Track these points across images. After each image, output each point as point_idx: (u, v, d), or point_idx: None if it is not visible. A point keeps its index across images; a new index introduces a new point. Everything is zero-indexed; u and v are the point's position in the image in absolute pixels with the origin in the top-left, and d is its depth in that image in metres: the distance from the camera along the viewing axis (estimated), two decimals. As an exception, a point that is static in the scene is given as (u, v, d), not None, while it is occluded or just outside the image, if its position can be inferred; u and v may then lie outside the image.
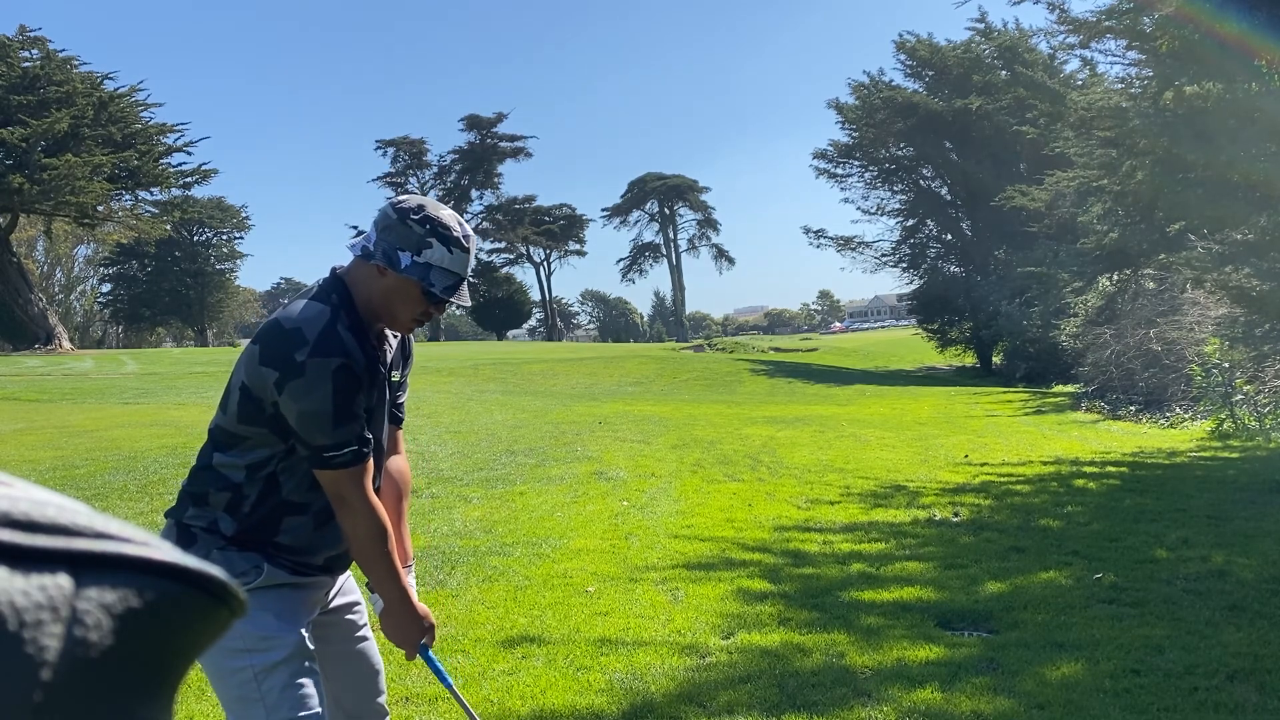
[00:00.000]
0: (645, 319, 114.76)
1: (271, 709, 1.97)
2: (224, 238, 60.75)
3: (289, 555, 2.07)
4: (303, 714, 2.00)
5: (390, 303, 2.05)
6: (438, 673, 2.30)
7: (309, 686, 2.04)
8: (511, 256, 70.06)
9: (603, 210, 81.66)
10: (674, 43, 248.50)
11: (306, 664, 2.05)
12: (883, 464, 9.32)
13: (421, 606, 2.20)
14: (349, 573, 2.35)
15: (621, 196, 78.57)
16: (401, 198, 2.09)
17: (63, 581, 0.30)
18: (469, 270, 2.10)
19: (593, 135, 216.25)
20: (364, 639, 2.31)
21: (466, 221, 2.12)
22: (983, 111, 30.34)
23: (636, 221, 79.43)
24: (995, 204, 26.27)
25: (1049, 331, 22.34)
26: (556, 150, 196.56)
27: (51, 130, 32.46)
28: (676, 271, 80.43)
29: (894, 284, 67.82)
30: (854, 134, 34.80)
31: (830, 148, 35.72)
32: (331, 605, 2.26)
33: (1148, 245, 12.90)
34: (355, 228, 68.51)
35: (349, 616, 2.29)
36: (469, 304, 2.11)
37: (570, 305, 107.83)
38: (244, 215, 60.13)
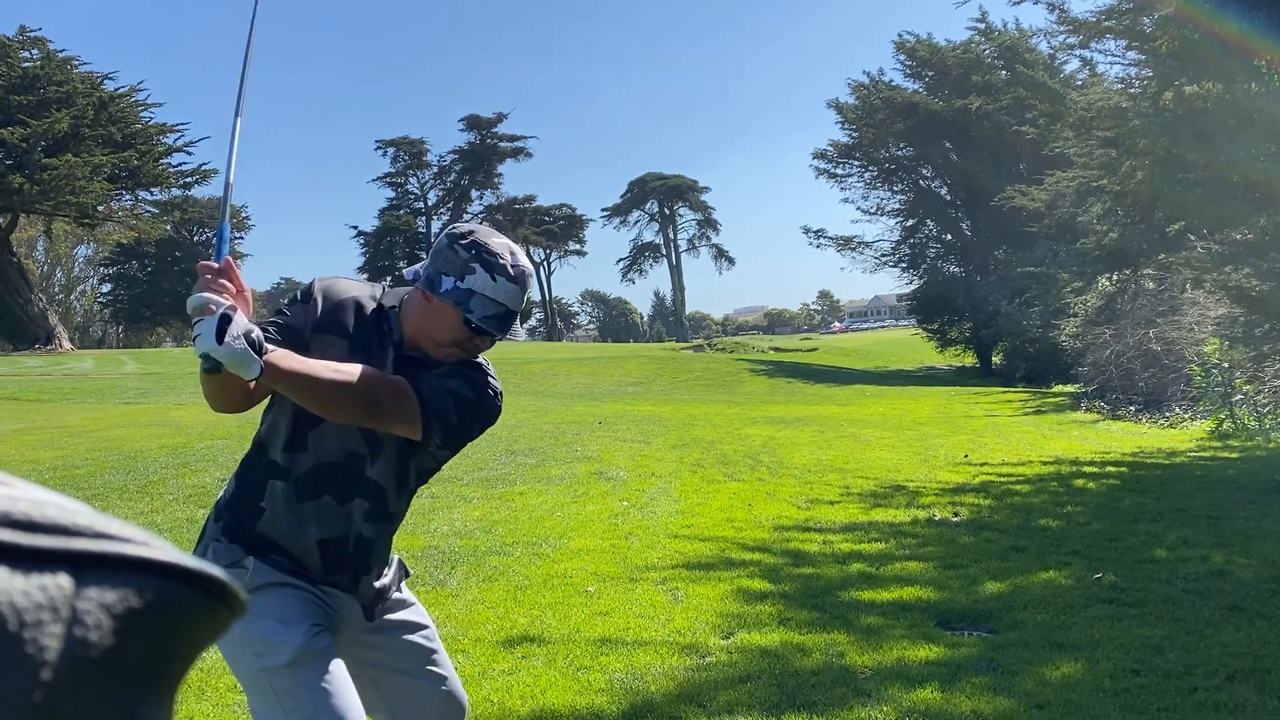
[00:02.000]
0: (645, 319, 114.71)
1: (290, 711, 1.99)
2: (224, 238, 60.67)
3: (271, 546, 2.06)
4: (318, 715, 2.00)
5: (432, 329, 2.03)
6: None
7: (321, 686, 2.02)
8: (511, 256, 70.10)
9: (603, 210, 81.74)
10: (674, 43, 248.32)
11: (316, 664, 2.03)
12: (883, 464, 9.32)
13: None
14: (411, 595, 2.28)
15: (621, 196, 78.68)
16: (457, 224, 2.07)
17: (63, 581, 0.30)
18: (520, 304, 2.02)
19: (593, 135, 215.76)
20: (436, 663, 2.23)
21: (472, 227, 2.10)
22: (982, 111, 30.37)
23: (636, 221, 79.53)
24: (995, 204, 26.29)
25: (1049, 331, 22.35)
26: (556, 150, 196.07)
27: (51, 130, 32.50)
28: (676, 271, 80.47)
29: (894, 284, 67.68)
30: (854, 134, 34.85)
31: (830, 148, 35.81)
32: (394, 618, 2.21)
33: (1148, 245, 12.91)
34: (355, 228, 68.54)
35: (411, 638, 2.22)
36: (521, 339, 2.10)
37: (570, 305, 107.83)
38: (244, 215, 60.15)
